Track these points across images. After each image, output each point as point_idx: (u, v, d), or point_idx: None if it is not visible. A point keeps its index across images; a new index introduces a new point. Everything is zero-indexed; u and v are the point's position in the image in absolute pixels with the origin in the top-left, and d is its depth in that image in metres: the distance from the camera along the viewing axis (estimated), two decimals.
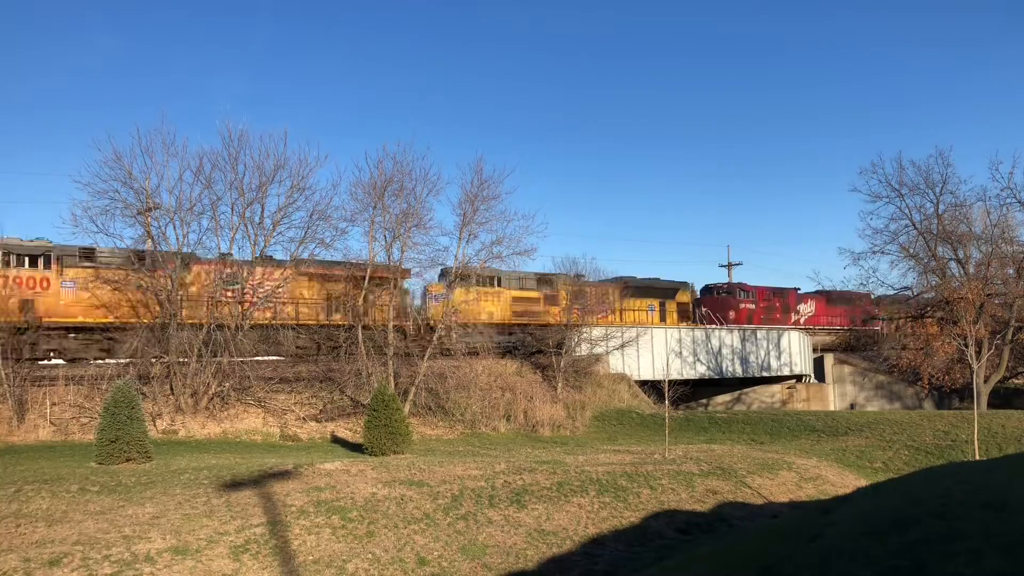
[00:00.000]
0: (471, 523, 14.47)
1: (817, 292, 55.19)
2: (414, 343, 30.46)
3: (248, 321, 27.25)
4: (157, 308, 26.34)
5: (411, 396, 28.44)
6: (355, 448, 23.43)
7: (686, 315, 48.30)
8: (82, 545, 11.37)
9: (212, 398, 25.61)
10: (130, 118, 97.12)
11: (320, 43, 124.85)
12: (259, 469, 17.04)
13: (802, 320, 53.71)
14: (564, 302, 37.28)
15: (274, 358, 29.40)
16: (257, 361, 28.25)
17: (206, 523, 12.77)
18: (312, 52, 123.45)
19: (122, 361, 25.72)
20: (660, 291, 47.10)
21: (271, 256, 28.89)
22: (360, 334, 28.82)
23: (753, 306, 50.82)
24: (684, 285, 49.08)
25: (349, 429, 26.74)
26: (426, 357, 29.12)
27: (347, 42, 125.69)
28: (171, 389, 25.44)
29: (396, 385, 27.84)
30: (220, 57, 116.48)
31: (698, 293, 51.21)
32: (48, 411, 23.25)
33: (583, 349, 37.62)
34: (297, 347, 30.51)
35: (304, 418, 26.99)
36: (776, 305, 52.49)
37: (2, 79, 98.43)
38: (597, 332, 38.67)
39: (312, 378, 29.11)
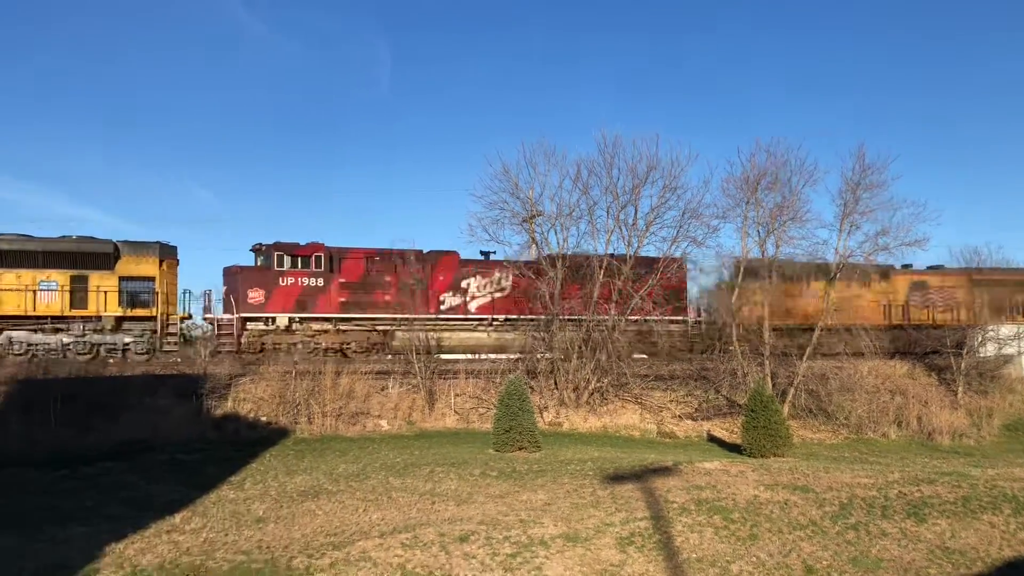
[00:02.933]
0: (862, 534, 13.56)
1: None
2: (790, 342, 29.32)
3: (624, 320, 28.12)
4: (541, 308, 28.26)
5: (790, 397, 27.43)
6: (732, 448, 23.13)
7: None
8: (485, 525, 12.47)
9: (592, 393, 26.80)
10: (515, 135, 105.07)
11: (685, 49, 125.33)
12: (639, 464, 17.49)
13: None
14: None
15: (643, 356, 30.14)
16: (633, 359, 29.10)
17: (593, 513, 13.36)
18: (675, 59, 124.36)
19: (512, 357, 27.93)
20: None
21: (645, 256, 29.51)
22: (734, 332, 28.38)
23: None
24: None
25: (725, 429, 26.46)
26: (805, 357, 27.88)
27: (713, 46, 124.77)
28: (555, 384, 27.05)
29: (773, 385, 27.03)
30: (588, 71, 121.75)
31: None
32: (452, 401, 25.90)
33: (988, 349, 33.55)
34: (670, 345, 30.89)
35: (680, 416, 27.22)
36: None
37: (402, 115, 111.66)
38: (1006, 330, 34.27)
39: (686, 376, 29.26)
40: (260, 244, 30.21)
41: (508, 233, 30.66)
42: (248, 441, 21.71)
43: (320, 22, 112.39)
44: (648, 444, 24.13)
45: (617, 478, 15.91)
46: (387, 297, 30.51)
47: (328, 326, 30.26)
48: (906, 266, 36.38)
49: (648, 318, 29.44)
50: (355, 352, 30.26)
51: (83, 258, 27.51)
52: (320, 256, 30.11)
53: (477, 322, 32.11)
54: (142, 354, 27.33)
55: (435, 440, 22.76)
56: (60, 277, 27.14)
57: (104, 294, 27.39)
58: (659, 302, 28.74)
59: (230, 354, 28.00)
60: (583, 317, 27.65)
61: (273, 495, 15.37)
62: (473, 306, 32.29)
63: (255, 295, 29.20)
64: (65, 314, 27.13)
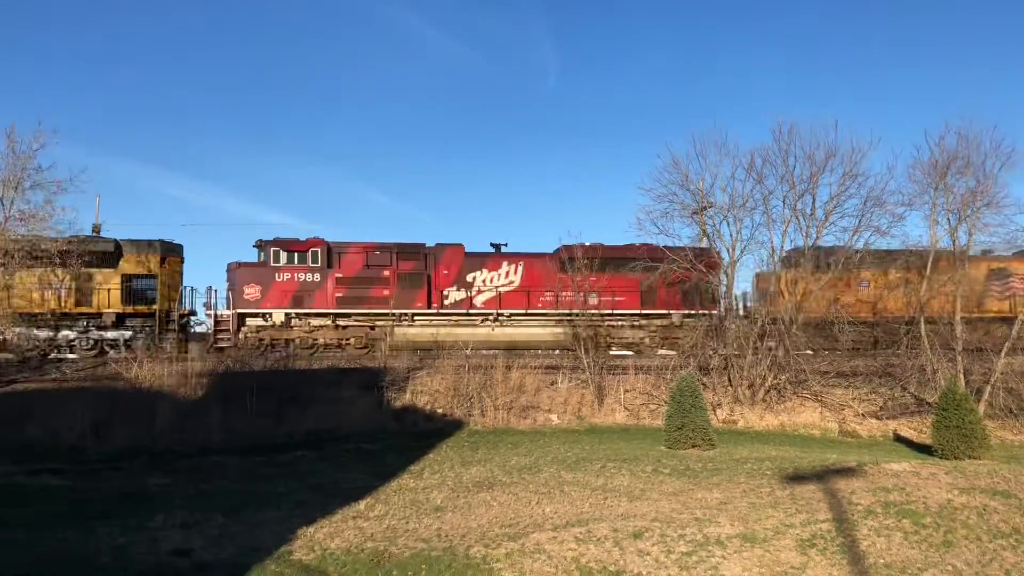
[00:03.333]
0: None
1: None
2: (985, 336, 27.23)
3: (801, 314, 27.05)
4: (713, 303, 27.66)
5: (986, 396, 25.46)
6: (920, 449, 21.75)
7: None
8: (659, 522, 12.33)
9: (768, 391, 25.95)
10: (684, 125, 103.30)
11: (866, 32, 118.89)
12: (820, 464, 16.78)
13: None
14: None
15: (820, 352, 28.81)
16: (812, 354, 27.94)
17: (771, 513, 12.94)
18: (853, 42, 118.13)
19: (683, 353, 27.47)
20: None
21: (822, 247, 28.28)
22: (923, 327, 26.68)
23: None
24: None
25: (913, 428, 24.92)
26: (1003, 353, 25.82)
27: (903, 26, 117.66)
28: (729, 381, 26.39)
29: (967, 383, 25.19)
30: (763, 56, 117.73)
31: None
32: (622, 397, 25.79)
33: None
34: (853, 341, 29.40)
35: (863, 415, 25.87)
36: None
37: (589, 100, 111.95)
38: None
39: (870, 373, 27.80)
40: (261, 240, 30.35)
41: (678, 225, 30.12)
42: (425, 432, 22.51)
43: (484, 23, 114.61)
44: (829, 443, 23.10)
45: (796, 478, 15.33)
46: (386, 292, 30.17)
47: (326, 322, 30.16)
48: None
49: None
50: (356, 349, 30.11)
51: (88, 256, 27.53)
52: (317, 251, 29.93)
53: (482, 317, 31.68)
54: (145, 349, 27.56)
55: (605, 435, 22.74)
56: (67, 275, 27.73)
57: (107, 291, 28.16)
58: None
59: (222, 350, 28.48)
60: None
61: (450, 485, 15.85)
62: (479, 300, 31.80)
63: (251, 291, 29.45)
64: (71, 311, 28.23)
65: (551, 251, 32.16)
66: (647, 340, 31.69)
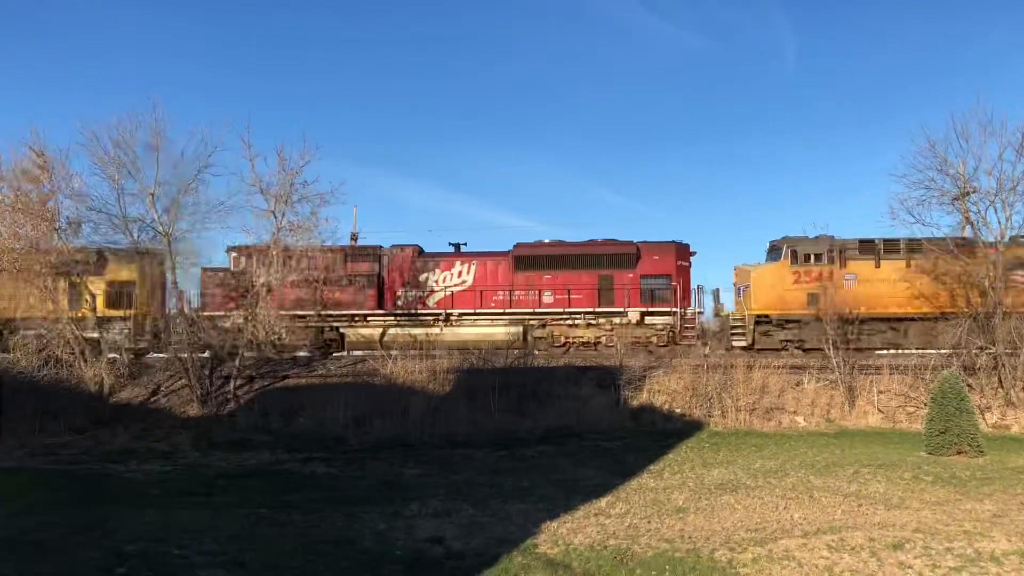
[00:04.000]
0: None
1: None
2: None
3: None
4: (978, 297, 25.21)
5: None
6: None
7: None
8: (922, 533, 11.46)
9: None
10: (942, 106, 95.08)
11: None
12: None
13: None
14: None
15: None
16: None
17: None
18: None
19: (943, 352, 25.30)
20: None
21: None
22: None
23: None
24: None
25: None
26: None
27: None
28: (999, 382, 24.00)
29: None
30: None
31: None
32: (875, 398, 24.20)
33: None
34: None
35: None
36: None
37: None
38: None
39: None
40: (231, 247, 30.18)
41: (936, 214, 27.58)
42: (663, 432, 22.32)
43: (711, 8, 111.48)
44: None
45: None
46: (338, 294, 29.68)
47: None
48: None
49: None
50: (311, 350, 30.06)
51: (76, 266, 27.14)
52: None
53: (433, 317, 30.81)
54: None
55: (857, 439, 21.45)
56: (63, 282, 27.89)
57: (94, 296, 28.21)
58: None
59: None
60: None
61: (691, 486, 15.62)
62: (432, 301, 30.91)
63: (214, 295, 29.63)
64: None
65: (506, 250, 31.52)
66: (604, 339, 30.30)
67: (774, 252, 29.92)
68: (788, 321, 28.84)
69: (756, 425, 23.11)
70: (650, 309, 30.09)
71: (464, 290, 31.24)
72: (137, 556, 9.44)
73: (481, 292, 30.96)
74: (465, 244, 32.86)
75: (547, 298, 30.60)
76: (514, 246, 31.45)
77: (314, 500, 14.67)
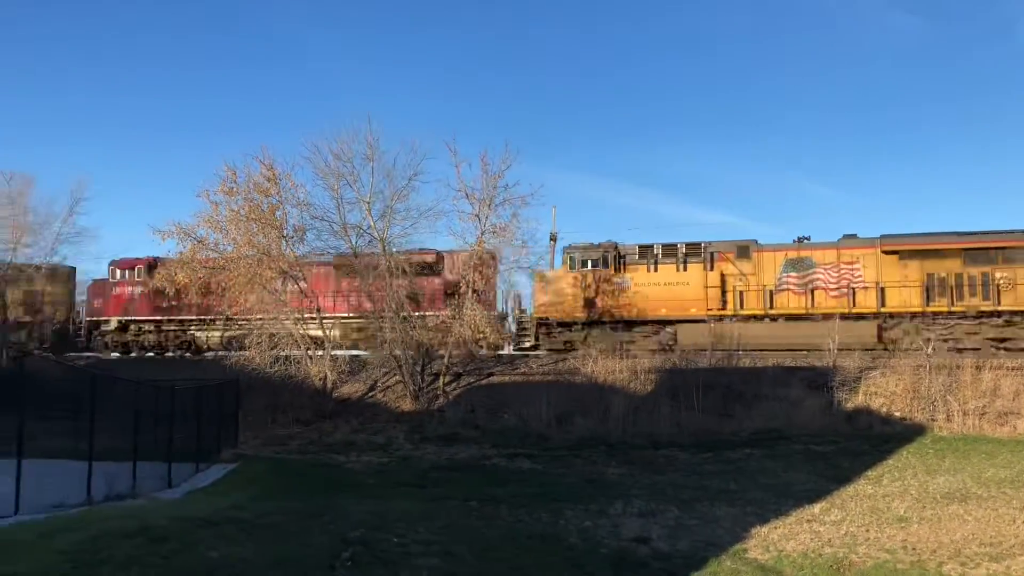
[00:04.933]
0: None
1: None
2: None
3: None
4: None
5: None
6: None
7: None
8: None
9: None
10: None
11: None
12: None
13: None
14: None
15: None
16: None
17: None
18: None
19: None
20: None
21: None
22: None
23: None
24: None
25: None
26: None
27: None
28: None
29: None
30: None
31: None
32: None
33: None
34: None
35: None
36: None
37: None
38: None
39: None
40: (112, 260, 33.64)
41: None
42: (880, 436, 21.03)
43: None
44: None
45: None
46: (187, 299, 29.41)
47: (151, 327, 32.85)
48: None
49: None
50: (175, 349, 32.60)
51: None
52: (140, 268, 32.63)
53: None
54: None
55: None
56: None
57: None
58: None
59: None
60: None
61: (913, 494, 14.68)
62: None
63: (97, 302, 33.71)
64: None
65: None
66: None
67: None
68: (564, 324, 29.40)
69: (987, 430, 21.27)
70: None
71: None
72: (360, 542, 10.04)
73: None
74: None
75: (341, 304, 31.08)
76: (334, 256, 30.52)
77: (520, 495, 15.02)
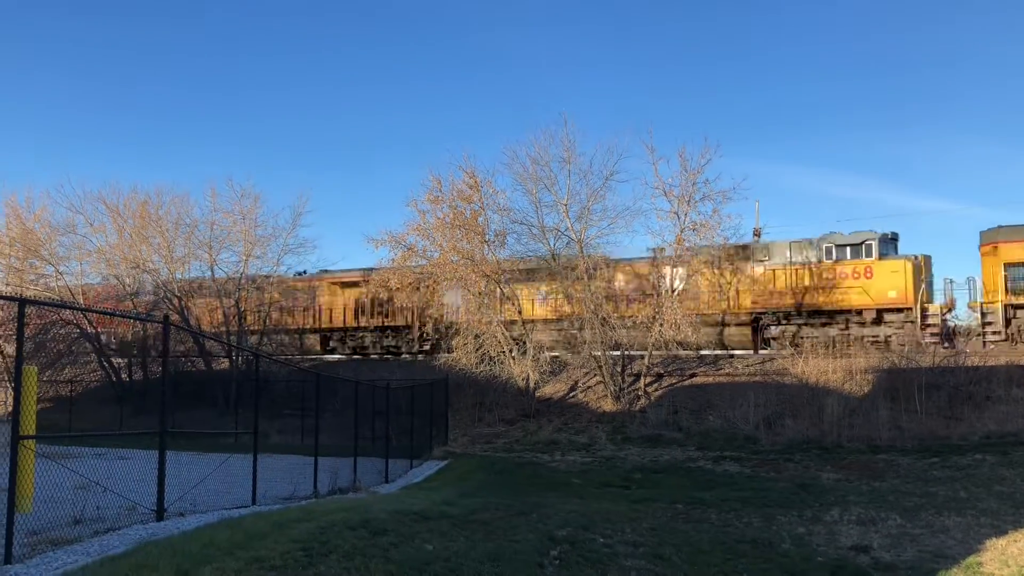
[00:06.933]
0: None
1: None
2: None
3: None
4: None
5: None
6: None
7: None
8: None
9: None
10: None
11: None
12: None
13: None
14: None
15: None
16: None
17: None
18: None
19: None
20: None
21: None
22: None
23: None
24: None
25: None
26: None
27: None
28: None
29: None
30: None
31: None
32: None
33: None
34: None
35: None
36: None
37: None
38: None
39: None
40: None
41: None
42: None
43: None
44: None
45: None
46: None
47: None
48: None
49: None
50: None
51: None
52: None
53: None
54: None
55: None
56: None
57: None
58: None
59: None
60: None
61: None
62: None
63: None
64: None
65: None
66: None
67: None
68: None
69: None
70: None
71: None
72: (567, 541, 10.13)
73: None
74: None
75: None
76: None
77: (728, 499, 14.63)
